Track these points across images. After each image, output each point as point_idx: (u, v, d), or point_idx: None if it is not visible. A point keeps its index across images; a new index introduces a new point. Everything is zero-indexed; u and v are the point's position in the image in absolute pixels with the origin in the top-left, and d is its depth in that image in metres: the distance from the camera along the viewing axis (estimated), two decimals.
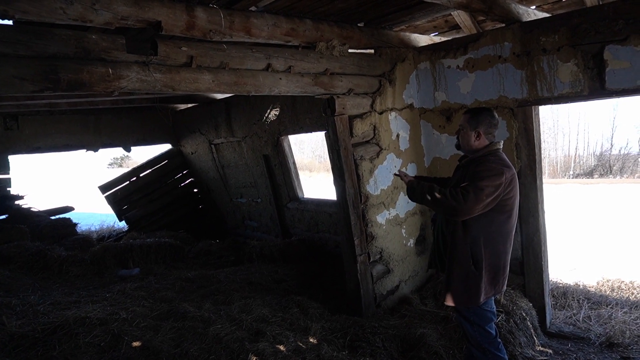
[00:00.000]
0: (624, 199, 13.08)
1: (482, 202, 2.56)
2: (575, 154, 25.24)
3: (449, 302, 2.82)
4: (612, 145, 23.78)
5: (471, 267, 2.70)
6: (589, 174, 22.40)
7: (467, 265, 2.71)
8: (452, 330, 3.60)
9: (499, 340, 2.94)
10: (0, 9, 2.16)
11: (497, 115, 2.88)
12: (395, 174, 3.14)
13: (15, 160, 7.80)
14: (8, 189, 7.81)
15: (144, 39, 2.84)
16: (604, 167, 22.62)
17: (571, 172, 23.34)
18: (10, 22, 2.48)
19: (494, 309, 2.93)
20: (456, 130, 2.94)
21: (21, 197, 8.20)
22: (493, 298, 2.88)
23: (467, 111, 2.90)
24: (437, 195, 2.64)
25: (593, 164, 23.69)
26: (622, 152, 22.83)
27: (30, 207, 8.49)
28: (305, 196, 7.00)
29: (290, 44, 3.61)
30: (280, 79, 3.49)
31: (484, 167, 2.65)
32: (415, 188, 2.82)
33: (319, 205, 6.47)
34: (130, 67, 2.75)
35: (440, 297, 2.86)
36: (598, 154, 24.29)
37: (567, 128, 26.27)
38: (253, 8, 3.23)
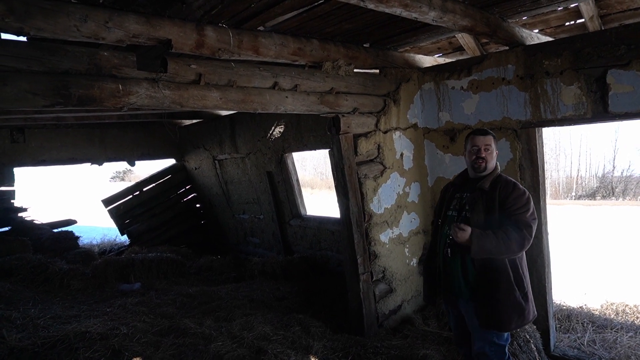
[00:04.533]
0: (627, 221, 13.02)
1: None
2: (577, 176, 25.20)
3: (499, 328, 2.73)
4: (614, 167, 23.78)
5: (516, 290, 2.70)
6: (591, 195, 22.32)
7: (513, 290, 2.69)
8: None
9: None
10: (16, 26, 2.21)
11: None
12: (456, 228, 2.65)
13: (20, 173, 7.85)
14: (12, 201, 7.82)
15: (154, 56, 2.89)
16: (606, 189, 22.55)
17: (573, 194, 23.28)
18: (24, 39, 2.53)
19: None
20: (477, 151, 2.82)
21: (24, 210, 8.21)
22: None
23: (484, 132, 2.88)
24: (509, 240, 2.60)
25: (595, 186, 23.63)
26: (624, 174, 22.81)
27: (33, 220, 8.49)
28: (307, 213, 7.00)
29: (297, 63, 3.66)
30: (287, 97, 3.54)
31: (521, 193, 2.73)
32: (484, 243, 2.58)
33: (322, 222, 6.47)
34: (140, 83, 2.80)
35: (479, 320, 2.75)
36: (600, 176, 24.26)
37: (569, 149, 26.32)
38: (261, 28, 3.29)
